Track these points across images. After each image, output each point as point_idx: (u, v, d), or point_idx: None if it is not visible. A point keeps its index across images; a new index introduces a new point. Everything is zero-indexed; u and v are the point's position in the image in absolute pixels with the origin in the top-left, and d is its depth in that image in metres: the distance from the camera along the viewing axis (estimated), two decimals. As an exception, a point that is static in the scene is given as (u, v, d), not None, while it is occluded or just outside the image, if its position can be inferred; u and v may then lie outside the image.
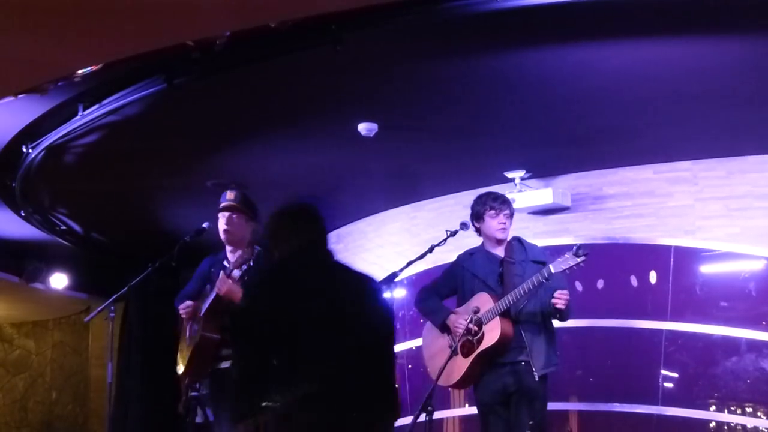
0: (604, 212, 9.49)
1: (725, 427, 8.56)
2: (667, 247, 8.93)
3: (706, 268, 8.96)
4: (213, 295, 6.62)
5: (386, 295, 6.65)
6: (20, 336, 16.08)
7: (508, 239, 6.87)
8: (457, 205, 10.31)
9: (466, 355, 6.65)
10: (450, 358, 6.49)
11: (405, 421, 8.34)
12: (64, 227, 11.59)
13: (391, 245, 10.90)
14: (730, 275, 8.89)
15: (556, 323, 6.82)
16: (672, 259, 8.91)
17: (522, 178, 9.55)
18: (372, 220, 11.26)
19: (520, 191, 9.46)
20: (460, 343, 6.66)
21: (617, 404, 8.80)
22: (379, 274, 10.04)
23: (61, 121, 7.97)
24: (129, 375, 13.60)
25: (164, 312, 11.75)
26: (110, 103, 7.50)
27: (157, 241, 11.02)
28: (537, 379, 6.52)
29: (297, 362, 4.39)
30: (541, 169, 9.53)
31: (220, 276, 6.59)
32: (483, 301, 6.65)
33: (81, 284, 13.42)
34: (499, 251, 6.79)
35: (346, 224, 11.57)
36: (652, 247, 9.05)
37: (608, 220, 9.44)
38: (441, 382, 6.63)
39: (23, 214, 10.72)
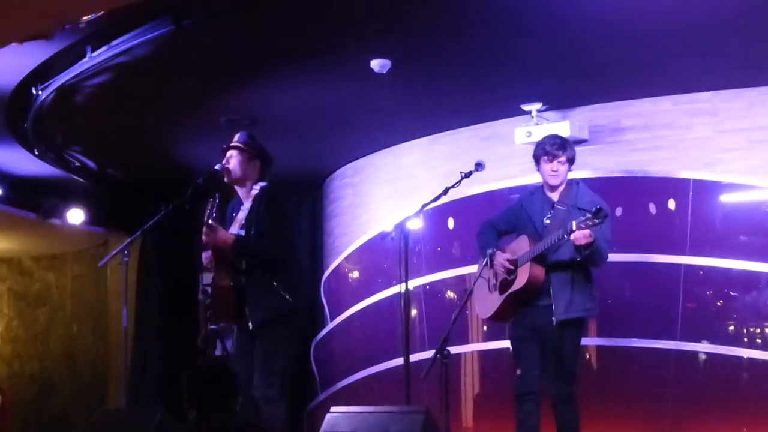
0: (622, 144, 9.36)
1: (743, 361, 8.51)
2: (686, 180, 8.80)
3: (726, 201, 8.84)
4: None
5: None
6: (40, 269, 16.14)
7: (569, 181, 6.77)
8: (474, 137, 10.23)
9: (501, 292, 6.70)
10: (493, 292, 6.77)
11: (425, 355, 8.41)
12: (78, 164, 11.58)
13: (407, 179, 10.81)
14: (750, 208, 8.78)
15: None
16: (691, 192, 8.79)
17: (539, 111, 9.41)
18: (388, 153, 11.16)
19: (537, 124, 9.33)
20: (499, 280, 6.74)
21: (636, 339, 8.74)
22: (390, 214, 10.16)
23: (70, 63, 7.93)
24: (148, 311, 13.66)
25: (181, 249, 11.89)
26: (119, 45, 7.43)
27: (173, 176, 11.02)
28: (554, 323, 6.47)
29: None
30: (558, 101, 9.40)
31: (203, 231, 6.58)
32: (522, 244, 6.67)
33: (98, 219, 13.39)
34: (555, 195, 6.75)
35: (362, 157, 11.48)
36: (671, 180, 8.92)
37: (626, 152, 9.31)
38: (479, 313, 7.04)
39: (37, 153, 10.71)
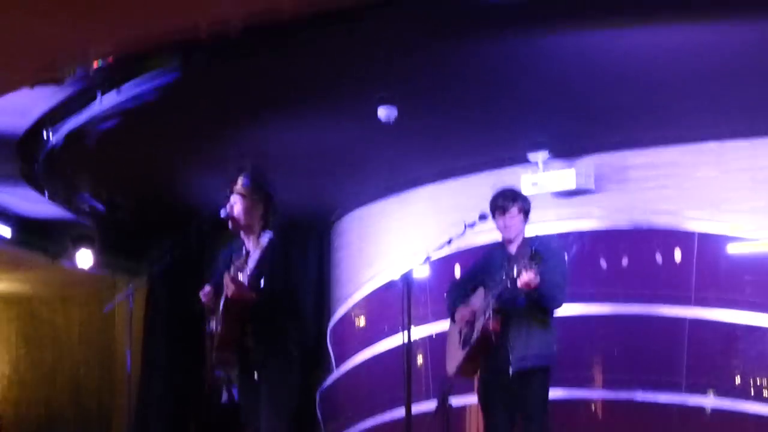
0: (628, 194, 9.32)
1: (748, 415, 8.46)
2: (692, 233, 8.81)
3: (731, 253, 8.82)
4: (224, 296, 6.58)
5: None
6: (48, 311, 16.17)
7: (525, 236, 6.79)
8: (481, 185, 10.19)
9: (464, 346, 6.71)
10: (460, 347, 6.75)
11: (429, 405, 8.38)
12: (88, 206, 11.61)
13: (414, 226, 10.81)
14: (755, 260, 8.74)
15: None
16: (696, 244, 8.79)
17: (545, 160, 9.43)
18: (395, 199, 11.17)
19: (543, 173, 9.35)
20: (462, 336, 6.77)
21: (640, 391, 8.71)
22: (398, 262, 10.14)
23: (81, 107, 7.99)
24: (154, 352, 13.64)
25: (188, 290, 11.87)
26: (128, 90, 7.48)
27: (181, 218, 11.02)
28: (511, 373, 6.46)
29: None
30: (564, 151, 9.42)
31: (225, 279, 6.53)
32: (480, 297, 6.73)
33: (106, 261, 13.42)
34: (513, 247, 6.76)
35: (369, 203, 11.50)
36: (677, 231, 8.93)
37: (632, 202, 9.28)
38: (447, 370, 6.95)
39: (47, 195, 10.75)
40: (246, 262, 6.45)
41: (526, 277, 6.24)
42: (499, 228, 6.80)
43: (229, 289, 6.44)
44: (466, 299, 6.87)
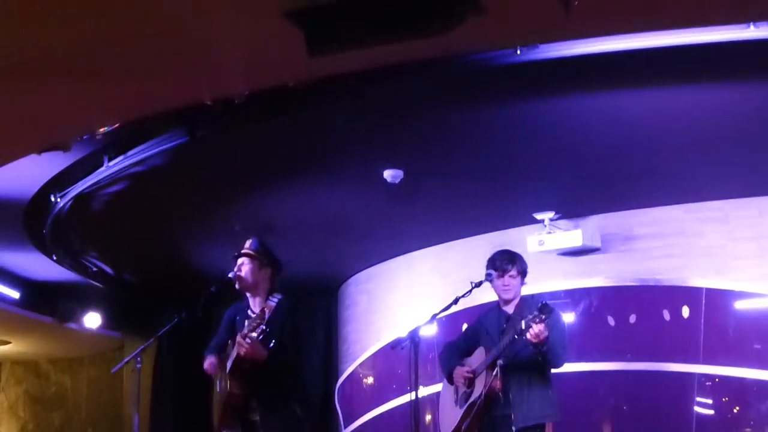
0: (635, 253, 9.39)
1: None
2: (699, 289, 8.81)
3: (740, 309, 8.82)
4: (234, 354, 6.59)
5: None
6: (56, 372, 16.13)
7: (523, 296, 6.83)
8: (488, 245, 10.18)
9: (462, 405, 6.70)
10: (461, 408, 6.67)
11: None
12: (95, 269, 11.64)
13: (421, 285, 10.83)
14: (764, 316, 8.74)
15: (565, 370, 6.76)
16: (704, 301, 8.79)
17: (551, 219, 9.47)
18: (402, 260, 11.21)
19: (550, 233, 9.39)
20: (460, 394, 6.75)
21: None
22: (405, 321, 10.14)
23: (88, 172, 8.02)
24: (162, 416, 13.61)
25: (196, 353, 11.88)
26: (134, 155, 7.53)
27: (188, 282, 11.07)
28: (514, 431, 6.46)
29: None
30: (571, 210, 9.46)
31: (237, 338, 6.55)
32: (480, 356, 6.73)
33: (114, 323, 13.45)
34: (509, 308, 6.82)
35: (377, 264, 11.52)
36: (684, 288, 8.93)
37: (638, 260, 9.34)
38: (442, 430, 6.89)
39: (55, 258, 10.78)
40: (258, 322, 6.46)
41: (536, 329, 6.25)
42: (496, 288, 6.85)
43: (242, 348, 6.46)
44: (461, 360, 6.89)
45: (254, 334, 6.45)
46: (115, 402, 15.24)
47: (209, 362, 6.91)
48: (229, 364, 6.69)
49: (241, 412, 6.74)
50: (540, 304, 6.26)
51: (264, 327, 6.46)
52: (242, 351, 6.49)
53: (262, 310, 6.57)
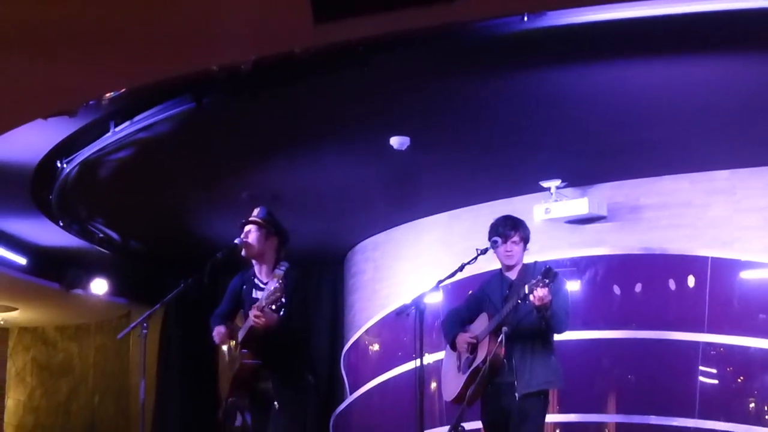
0: (641, 222, 9.42)
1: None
2: (704, 258, 8.83)
3: (745, 279, 8.84)
4: (248, 325, 6.62)
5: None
6: (63, 339, 16.23)
7: (524, 263, 6.84)
8: (494, 213, 10.17)
9: (464, 372, 6.73)
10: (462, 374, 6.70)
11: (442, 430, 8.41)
12: (102, 236, 11.70)
13: (428, 254, 10.87)
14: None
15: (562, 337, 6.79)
16: (709, 270, 8.81)
17: (558, 188, 9.48)
18: (408, 228, 11.25)
19: (556, 200, 9.40)
20: (462, 361, 6.77)
21: (654, 416, 8.71)
22: (411, 289, 10.16)
23: (94, 137, 8.06)
24: (168, 383, 13.69)
25: (201, 322, 11.94)
26: (141, 121, 7.55)
27: (194, 249, 11.09)
28: (517, 399, 6.50)
29: None
30: (578, 179, 9.48)
31: (253, 310, 6.57)
32: (483, 321, 6.74)
33: (120, 290, 13.53)
34: (512, 274, 6.81)
35: (383, 231, 11.56)
36: (690, 257, 8.95)
37: (645, 230, 9.36)
38: (444, 396, 6.96)
39: (61, 225, 10.83)
40: (278, 296, 6.47)
41: (540, 292, 6.26)
42: (499, 255, 6.84)
43: (260, 319, 6.48)
44: (463, 327, 6.92)
45: (274, 307, 6.48)
46: (121, 370, 15.34)
47: (217, 331, 6.93)
48: (241, 335, 6.72)
49: (252, 381, 6.78)
50: (544, 269, 6.28)
51: (284, 300, 6.49)
52: (260, 322, 6.51)
53: (281, 284, 6.57)
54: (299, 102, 7.32)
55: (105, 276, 13.05)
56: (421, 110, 7.63)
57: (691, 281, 8.94)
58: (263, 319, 6.47)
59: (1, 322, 15.61)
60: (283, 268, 6.85)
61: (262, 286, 6.80)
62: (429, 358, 8.44)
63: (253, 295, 6.81)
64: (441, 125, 7.99)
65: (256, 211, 7.02)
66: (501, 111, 7.63)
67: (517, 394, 6.52)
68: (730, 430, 8.52)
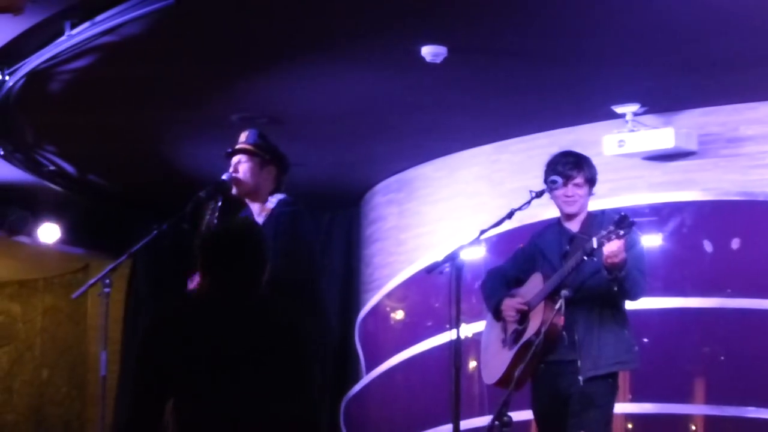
0: (741, 159, 9.37)
1: None
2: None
3: None
4: None
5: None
6: (3, 298, 16.33)
7: (589, 211, 6.79)
8: (552, 145, 10.23)
9: (512, 347, 6.70)
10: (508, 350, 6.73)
11: (483, 421, 8.45)
12: (53, 168, 11.72)
13: (466, 195, 10.89)
14: None
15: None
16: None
17: (635, 114, 9.45)
18: (441, 163, 11.27)
19: (632, 130, 9.38)
20: (509, 333, 6.74)
21: (752, 408, 8.73)
22: (445, 240, 10.19)
23: (44, 42, 8.03)
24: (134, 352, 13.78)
25: (178, 277, 11.99)
26: (105, 21, 7.52)
27: (171, 187, 11.13)
28: (580, 382, 6.48)
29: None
30: (660, 103, 9.45)
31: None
32: (536, 284, 6.68)
33: (77, 237, 13.58)
34: (574, 225, 6.74)
35: (410, 168, 11.56)
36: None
37: (745, 169, 9.31)
38: (484, 378, 6.93)
39: (2, 153, 10.85)
40: None
41: (613, 246, 6.20)
42: (557, 200, 6.78)
43: None
44: (510, 290, 6.88)
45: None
46: (76, 337, 15.46)
47: (194, 279, 6.94)
48: None
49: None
50: (618, 216, 6.20)
51: (210, 218, 6.57)
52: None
53: (216, 201, 6.63)
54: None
55: (57, 220, 13.08)
56: (460, 11, 7.57)
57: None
58: None
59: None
60: (274, 200, 6.85)
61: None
62: (467, 330, 8.42)
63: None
64: (485, 31, 7.94)
65: (243, 136, 7.02)
66: (562, 13, 7.56)
67: (580, 377, 6.50)
68: None
